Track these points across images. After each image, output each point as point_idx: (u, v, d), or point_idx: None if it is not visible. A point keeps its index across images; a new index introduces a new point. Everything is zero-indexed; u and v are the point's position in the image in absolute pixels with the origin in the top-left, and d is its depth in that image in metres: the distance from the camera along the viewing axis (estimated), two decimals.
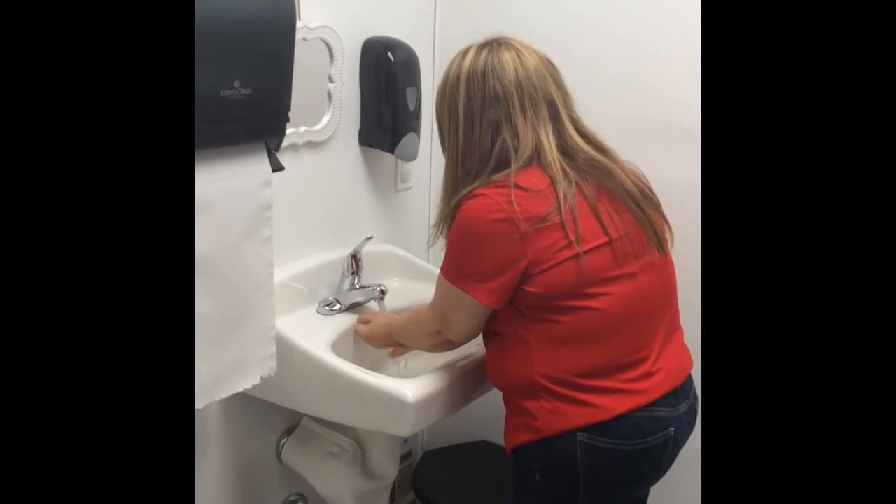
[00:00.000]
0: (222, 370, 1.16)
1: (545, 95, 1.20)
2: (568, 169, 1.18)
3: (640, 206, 1.21)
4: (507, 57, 1.20)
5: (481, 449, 1.89)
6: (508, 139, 1.18)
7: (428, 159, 1.86)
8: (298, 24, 1.25)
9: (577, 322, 1.15)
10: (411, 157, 1.67)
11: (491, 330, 1.24)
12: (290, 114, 1.19)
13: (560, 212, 1.14)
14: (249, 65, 1.08)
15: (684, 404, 1.22)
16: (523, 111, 1.19)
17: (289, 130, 1.29)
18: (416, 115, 1.64)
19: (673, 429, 1.20)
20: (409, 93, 1.60)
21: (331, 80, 1.53)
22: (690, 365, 1.27)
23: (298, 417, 1.58)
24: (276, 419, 1.57)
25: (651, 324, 1.21)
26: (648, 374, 1.18)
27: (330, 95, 1.54)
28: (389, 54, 1.58)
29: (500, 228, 1.14)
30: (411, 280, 1.67)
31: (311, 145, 1.52)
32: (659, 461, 1.22)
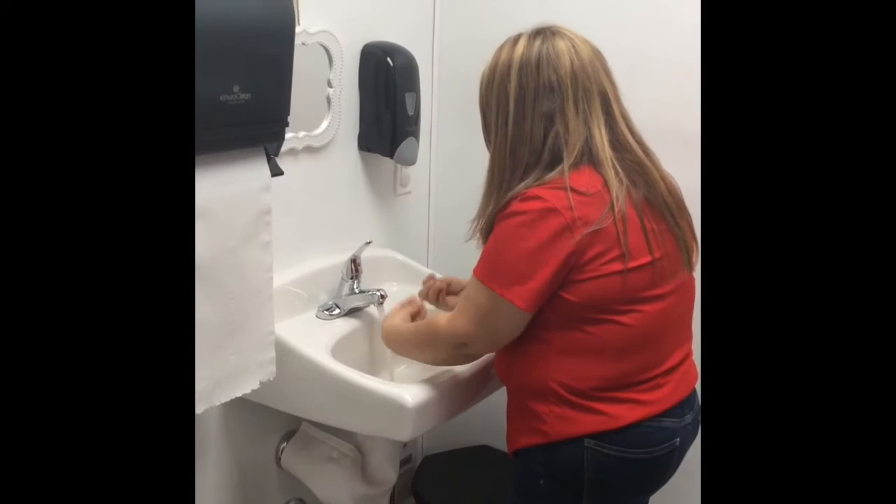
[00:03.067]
0: (221, 375, 1.16)
1: (599, 88, 1.16)
2: (619, 168, 1.14)
3: (677, 221, 1.19)
4: (562, 46, 1.15)
5: (481, 453, 1.88)
6: (561, 132, 1.14)
7: (427, 164, 1.86)
8: (298, 29, 1.25)
9: (603, 334, 1.13)
10: (410, 161, 1.67)
11: None
12: (290, 118, 1.19)
13: (614, 219, 1.10)
14: (249, 70, 1.08)
15: (689, 415, 1.23)
16: (576, 104, 1.14)
17: (288, 135, 1.29)
18: (416, 119, 1.64)
19: (679, 439, 1.20)
20: (409, 98, 1.60)
21: (330, 84, 1.54)
22: (696, 377, 1.27)
23: (298, 422, 1.58)
24: (275, 424, 1.57)
25: (670, 343, 1.21)
26: (658, 386, 1.18)
27: (329, 100, 1.54)
28: (388, 59, 1.58)
29: (556, 234, 1.09)
30: (411, 285, 1.67)
31: (310, 150, 1.52)
32: (664, 470, 1.23)
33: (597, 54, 1.18)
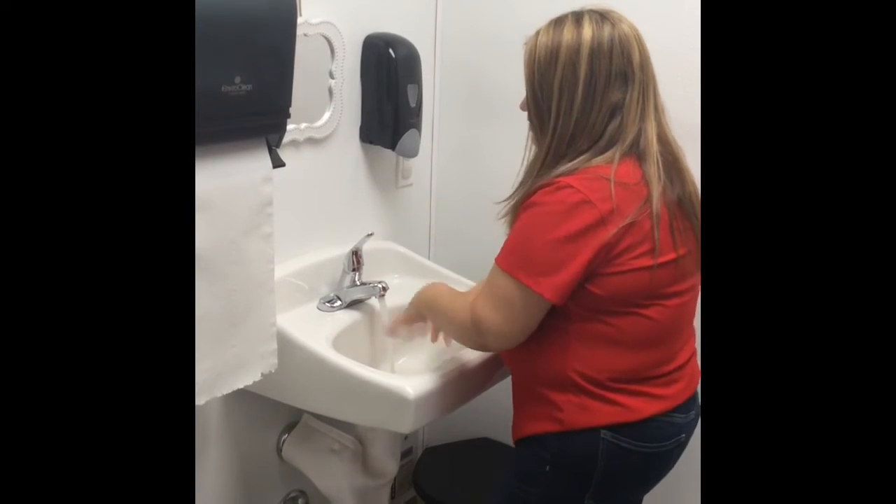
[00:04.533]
0: (223, 366, 1.16)
1: (655, 80, 1.14)
2: (661, 164, 1.11)
3: (700, 221, 1.16)
4: (630, 34, 1.11)
5: (482, 446, 1.89)
6: (621, 122, 1.10)
7: (429, 156, 1.86)
8: (299, 20, 1.25)
9: (626, 326, 1.12)
10: (412, 153, 1.67)
11: None
12: (291, 110, 1.19)
13: (649, 214, 1.08)
14: (250, 61, 1.08)
15: (693, 411, 1.24)
16: (639, 95, 1.10)
17: (289, 127, 1.29)
18: (418, 111, 1.64)
19: (684, 434, 1.21)
20: (411, 89, 1.60)
21: (332, 76, 1.53)
22: (699, 374, 1.27)
23: (299, 414, 1.58)
24: (276, 416, 1.57)
25: (681, 339, 1.21)
26: (673, 381, 1.18)
27: (331, 92, 1.54)
28: (391, 51, 1.57)
29: (589, 226, 1.06)
30: (412, 277, 1.67)
31: (311, 142, 1.52)
32: (667, 465, 1.23)
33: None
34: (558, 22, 1.12)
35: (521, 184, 1.18)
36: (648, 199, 1.08)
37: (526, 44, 1.15)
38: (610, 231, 1.06)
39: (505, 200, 1.19)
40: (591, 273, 1.09)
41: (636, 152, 1.11)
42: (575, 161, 1.10)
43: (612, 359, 1.13)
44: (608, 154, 1.09)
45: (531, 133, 1.19)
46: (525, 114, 1.20)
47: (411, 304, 1.35)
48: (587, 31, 1.09)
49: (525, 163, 1.20)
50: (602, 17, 1.11)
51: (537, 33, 1.14)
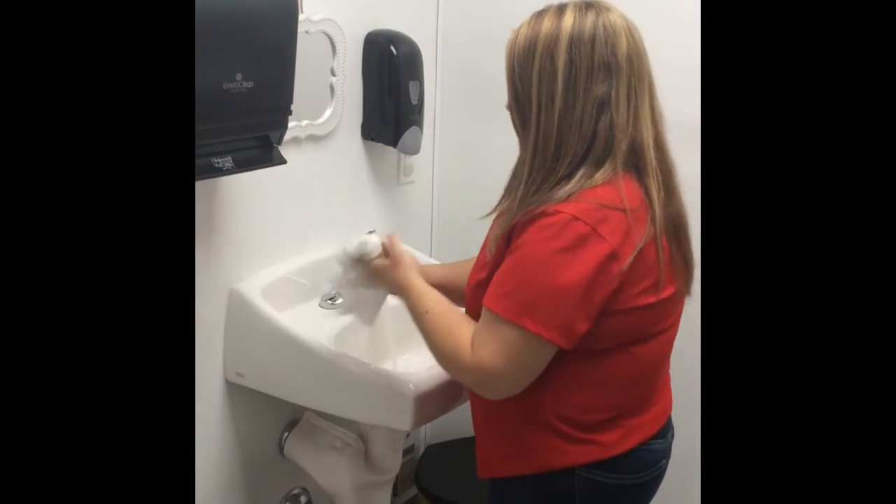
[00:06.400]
0: None
1: (648, 77, 1.03)
2: (659, 176, 1.02)
3: (687, 240, 1.08)
4: (620, 24, 1.01)
5: None
6: (609, 121, 0.99)
7: (430, 153, 1.86)
8: (301, 17, 1.25)
9: (613, 366, 1.04)
10: (414, 151, 1.67)
11: None
12: (293, 107, 1.19)
13: (656, 242, 1.00)
14: (252, 58, 1.08)
15: (670, 433, 1.18)
16: (629, 91, 1.00)
17: (291, 124, 1.29)
18: (419, 108, 1.63)
19: (665, 461, 1.16)
20: (412, 86, 1.60)
21: (333, 73, 1.53)
22: (671, 393, 1.20)
23: (301, 411, 1.59)
24: (278, 413, 1.57)
25: (666, 367, 1.15)
26: (648, 408, 1.12)
27: (332, 89, 1.54)
28: (392, 48, 1.57)
29: (602, 264, 0.96)
30: None
31: (313, 139, 1.51)
32: (651, 493, 1.17)
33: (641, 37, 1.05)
34: (540, 13, 1.04)
35: (513, 191, 1.05)
36: (652, 222, 1.00)
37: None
38: (622, 266, 0.96)
39: (491, 213, 1.09)
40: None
41: (635, 164, 1.01)
42: (575, 177, 0.99)
43: (594, 400, 1.06)
44: (607, 168, 0.99)
45: (517, 135, 1.08)
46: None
47: (404, 278, 1.16)
48: (568, 20, 1.00)
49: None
50: (587, 6, 1.02)
51: (519, 27, 1.06)
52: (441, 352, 1.06)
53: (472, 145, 1.86)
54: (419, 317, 1.10)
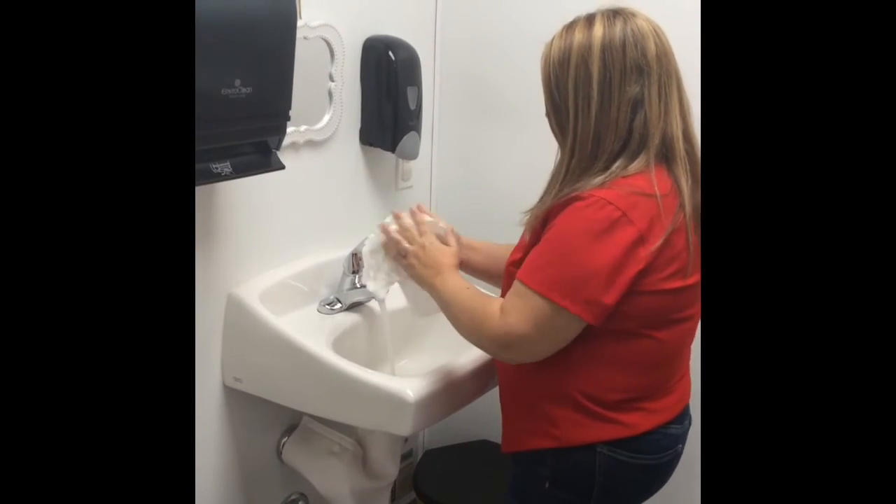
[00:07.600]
0: None
1: (676, 74, 1.10)
2: (689, 167, 1.08)
3: None
4: (646, 27, 1.08)
5: (482, 448, 1.88)
6: (643, 119, 1.06)
7: (429, 158, 1.86)
8: (299, 23, 1.25)
9: (636, 348, 1.11)
10: (412, 156, 1.67)
11: None
12: (291, 112, 1.19)
13: (685, 227, 1.05)
14: (250, 63, 1.08)
15: (687, 420, 1.23)
16: (660, 89, 1.07)
17: (289, 129, 1.29)
18: (417, 114, 1.64)
19: (681, 445, 1.21)
20: (411, 92, 1.60)
21: (331, 78, 1.53)
22: (690, 382, 1.26)
23: (299, 416, 1.58)
24: (276, 418, 1.57)
25: (686, 356, 1.21)
26: (668, 394, 1.18)
27: (331, 94, 1.54)
28: (390, 53, 1.57)
29: (631, 246, 1.03)
30: None
31: (311, 144, 1.52)
32: (666, 475, 1.23)
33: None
34: (570, 25, 1.11)
35: (547, 191, 1.13)
36: (681, 209, 1.06)
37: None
38: (649, 249, 1.03)
39: (531, 210, 1.15)
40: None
41: (666, 156, 1.08)
42: (610, 169, 1.07)
43: (619, 380, 1.12)
44: (641, 160, 1.06)
45: (556, 140, 1.15)
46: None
47: (427, 266, 1.23)
48: (598, 30, 1.08)
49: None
50: (614, 14, 1.09)
51: (552, 40, 1.13)
52: (469, 315, 1.13)
53: (469, 150, 1.86)
54: (445, 301, 1.18)
